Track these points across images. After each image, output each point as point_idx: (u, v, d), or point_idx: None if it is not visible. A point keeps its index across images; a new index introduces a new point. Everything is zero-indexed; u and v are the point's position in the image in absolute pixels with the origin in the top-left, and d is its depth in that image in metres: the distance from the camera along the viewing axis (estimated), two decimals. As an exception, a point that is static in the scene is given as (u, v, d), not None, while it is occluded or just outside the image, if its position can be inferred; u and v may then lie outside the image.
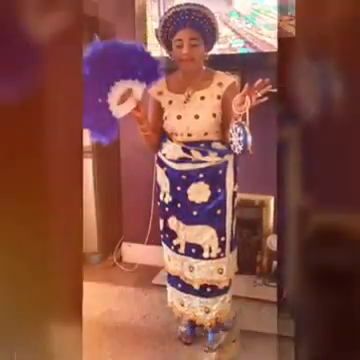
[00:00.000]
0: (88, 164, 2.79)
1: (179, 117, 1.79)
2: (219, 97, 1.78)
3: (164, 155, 1.88)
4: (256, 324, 2.22)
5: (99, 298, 2.50)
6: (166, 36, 1.76)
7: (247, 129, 1.56)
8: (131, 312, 2.37)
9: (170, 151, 1.85)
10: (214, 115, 1.78)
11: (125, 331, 2.22)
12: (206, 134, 1.80)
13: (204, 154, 1.81)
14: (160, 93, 1.85)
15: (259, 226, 2.61)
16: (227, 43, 2.34)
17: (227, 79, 1.82)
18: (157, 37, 1.81)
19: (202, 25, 1.70)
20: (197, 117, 1.77)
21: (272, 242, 2.48)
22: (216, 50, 2.09)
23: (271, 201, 2.55)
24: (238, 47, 2.34)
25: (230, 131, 1.64)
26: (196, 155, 1.81)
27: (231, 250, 1.95)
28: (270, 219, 2.58)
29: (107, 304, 2.45)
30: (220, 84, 1.79)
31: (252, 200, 2.55)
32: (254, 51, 2.31)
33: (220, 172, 1.84)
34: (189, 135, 1.80)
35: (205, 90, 1.79)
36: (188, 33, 1.70)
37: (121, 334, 2.19)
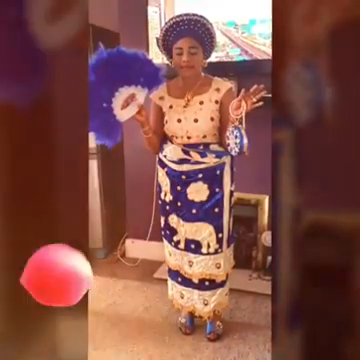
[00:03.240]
0: (93, 165, 2.78)
1: (179, 121, 1.79)
2: (217, 102, 1.78)
3: (165, 156, 1.88)
4: (251, 316, 2.22)
5: (104, 291, 2.51)
6: (167, 44, 1.76)
7: (243, 132, 1.57)
8: (134, 304, 2.37)
9: (170, 152, 1.85)
10: (212, 119, 1.78)
11: (128, 322, 2.22)
12: (204, 137, 1.80)
13: (203, 155, 1.81)
14: (161, 98, 1.85)
15: (255, 223, 2.61)
16: (224, 51, 2.34)
17: (224, 85, 1.82)
18: (158, 45, 1.81)
19: (201, 34, 1.70)
20: (196, 121, 1.77)
21: (267, 238, 2.49)
22: (214, 58, 2.09)
23: (266, 200, 2.55)
24: (235, 55, 2.34)
25: (227, 134, 1.65)
26: (195, 156, 1.81)
27: (228, 246, 1.95)
28: (265, 217, 2.57)
29: (111, 297, 2.46)
30: (218, 90, 1.79)
31: (248, 199, 2.55)
32: (250, 59, 2.31)
33: (218, 172, 1.84)
34: (188, 138, 1.80)
35: (204, 95, 1.79)
36: (188, 42, 1.70)
37: (125, 325, 2.19)
